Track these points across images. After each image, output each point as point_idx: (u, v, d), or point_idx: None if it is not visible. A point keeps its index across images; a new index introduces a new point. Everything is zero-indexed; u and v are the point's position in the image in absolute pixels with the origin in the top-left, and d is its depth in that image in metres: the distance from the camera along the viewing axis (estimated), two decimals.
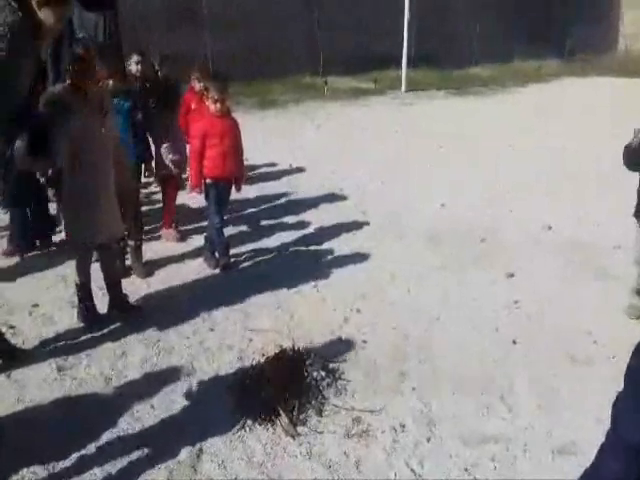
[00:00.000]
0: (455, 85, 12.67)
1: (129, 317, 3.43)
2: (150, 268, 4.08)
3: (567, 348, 3.26)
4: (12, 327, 3.31)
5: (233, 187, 4.20)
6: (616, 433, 1.52)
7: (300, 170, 6.57)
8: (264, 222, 5.03)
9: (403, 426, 2.61)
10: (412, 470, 2.38)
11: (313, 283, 3.93)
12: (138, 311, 3.51)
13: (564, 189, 5.97)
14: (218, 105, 3.94)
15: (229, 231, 4.55)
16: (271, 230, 4.87)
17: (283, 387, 2.75)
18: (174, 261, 4.26)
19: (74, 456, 2.40)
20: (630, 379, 1.54)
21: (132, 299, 3.60)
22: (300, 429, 2.57)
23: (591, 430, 2.48)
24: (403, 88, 12.17)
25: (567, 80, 14.17)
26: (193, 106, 5.01)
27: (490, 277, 4.08)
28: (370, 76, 12.59)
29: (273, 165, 6.68)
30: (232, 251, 4.30)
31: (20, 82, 2.46)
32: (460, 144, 7.70)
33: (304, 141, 7.81)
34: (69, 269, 3.89)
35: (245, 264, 4.25)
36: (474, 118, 9.48)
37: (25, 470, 2.33)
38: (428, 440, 2.54)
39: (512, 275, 4.11)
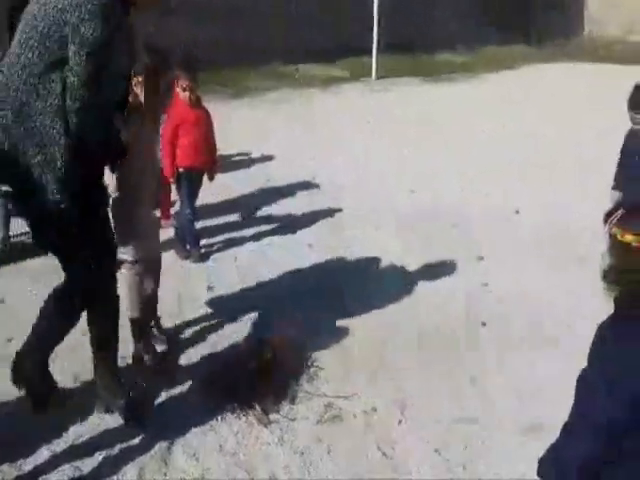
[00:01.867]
0: (426, 72, 12.67)
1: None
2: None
3: (536, 329, 3.32)
4: None
5: (205, 177, 4.16)
6: (579, 412, 1.55)
7: (272, 159, 6.54)
8: (237, 212, 4.99)
9: (375, 410, 2.64)
10: (384, 453, 2.41)
11: (286, 273, 3.92)
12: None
13: (534, 174, 6.04)
14: (188, 93, 3.89)
15: (201, 222, 4.50)
16: (244, 220, 4.83)
17: (255, 376, 2.74)
18: None
19: (44, 453, 2.37)
20: (593, 358, 1.56)
21: None
22: (272, 416, 2.58)
23: (560, 410, 2.52)
24: (374, 75, 12.15)
25: (537, 66, 14.28)
26: None
27: (461, 261, 4.13)
28: (342, 64, 12.55)
29: (245, 154, 6.62)
30: (203, 242, 4.27)
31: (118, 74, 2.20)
32: (432, 131, 7.73)
33: (276, 129, 7.75)
34: (38, 263, 3.82)
35: (217, 255, 4.21)
36: (446, 105, 9.51)
37: None
38: (399, 423, 2.57)
39: (482, 258, 4.16)
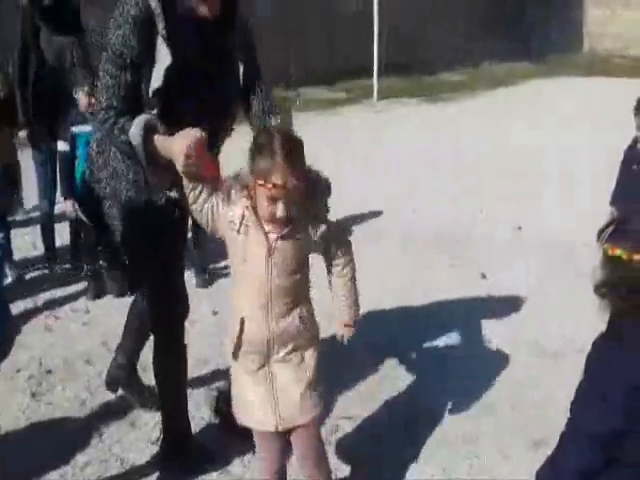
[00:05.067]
0: (426, 92, 12.81)
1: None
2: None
3: (537, 343, 3.32)
4: None
5: None
6: (575, 423, 1.56)
7: None
8: None
9: (381, 430, 2.64)
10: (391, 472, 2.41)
11: None
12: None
13: (534, 189, 6.07)
14: None
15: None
16: None
17: None
18: None
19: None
20: (588, 370, 1.58)
21: (108, 319, 3.57)
22: None
23: (563, 423, 2.52)
24: (375, 97, 12.29)
25: (537, 81, 14.40)
26: None
27: (463, 278, 4.15)
28: (342, 86, 12.71)
29: None
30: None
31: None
32: (433, 149, 7.80)
33: None
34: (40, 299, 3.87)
35: (222, 280, 4.24)
36: (446, 124, 9.60)
37: None
38: (406, 442, 2.57)
39: (484, 276, 4.18)
